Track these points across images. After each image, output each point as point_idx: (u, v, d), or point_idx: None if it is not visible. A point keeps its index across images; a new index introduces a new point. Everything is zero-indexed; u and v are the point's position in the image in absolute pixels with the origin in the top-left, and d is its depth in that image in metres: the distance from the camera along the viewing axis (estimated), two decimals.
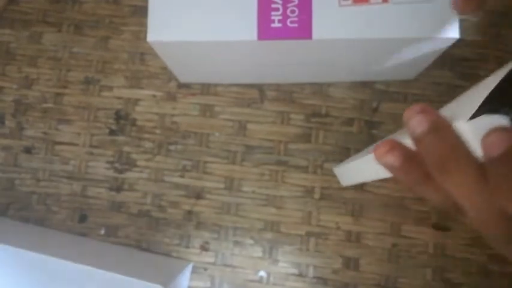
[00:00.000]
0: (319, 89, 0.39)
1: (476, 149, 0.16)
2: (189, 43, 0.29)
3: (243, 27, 0.29)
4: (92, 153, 0.40)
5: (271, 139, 0.39)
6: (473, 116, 0.16)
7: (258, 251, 0.38)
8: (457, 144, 0.16)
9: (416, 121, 0.17)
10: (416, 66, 0.36)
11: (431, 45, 0.30)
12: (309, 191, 0.38)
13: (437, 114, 0.17)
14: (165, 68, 0.40)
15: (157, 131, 0.39)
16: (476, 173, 0.16)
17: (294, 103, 0.39)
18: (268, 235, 0.38)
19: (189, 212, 0.38)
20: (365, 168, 0.29)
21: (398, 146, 0.18)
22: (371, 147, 0.33)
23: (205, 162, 0.39)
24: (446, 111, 0.18)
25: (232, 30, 0.29)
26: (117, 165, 0.39)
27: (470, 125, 0.16)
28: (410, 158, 0.18)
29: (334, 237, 0.37)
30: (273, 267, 0.37)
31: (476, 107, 0.16)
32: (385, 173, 0.26)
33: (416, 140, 0.17)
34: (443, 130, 0.17)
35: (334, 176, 0.38)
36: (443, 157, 0.16)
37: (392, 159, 0.18)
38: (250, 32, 0.29)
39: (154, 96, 0.40)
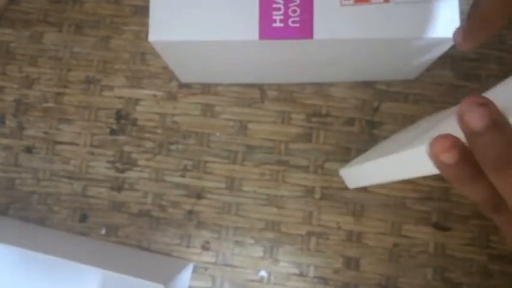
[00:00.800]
0: (320, 88, 0.39)
1: None
2: (190, 43, 0.29)
3: (244, 26, 0.29)
4: (92, 153, 0.40)
5: (272, 139, 0.39)
6: None
7: (258, 251, 0.38)
8: None
9: (475, 115, 0.16)
10: (418, 66, 0.36)
11: (433, 45, 0.31)
12: (309, 191, 0.38)
13: (497, 107, 0.16)
14: (165, 68, 0.40)
15: (158, 131, 0.39)
16: None
17: (294, 103, 0.39)
18: (269, 235, 0.38)
19: (190, 212, 0.38)
20: (384, 170, 0.28)
21: (458, 143, 0.17)
22: (380, 148, 0.33)
23: (206, 162, 0.39)
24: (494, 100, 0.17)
25: (234, 30, 0.29)
26: (117, 164, 0.39)
27: None
28: (465, 156, 0.17)
29: (335, 237, 0.38)
30: (274, 267, 0.37)
31: None
32: (404, 175, 0.25)
33: (473, 135, 0.16)
34: (503, 126, 0.16)
35: (334, 175, 0.38)
36: (503, 154, 0.16)
37: (449, 157, 0.17)
38: (252, 32, 0.29)
39: (155, 96, 0.40)
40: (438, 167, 0.18)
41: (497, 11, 0.24)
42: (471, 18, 0.26)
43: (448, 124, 0.19)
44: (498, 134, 0.16)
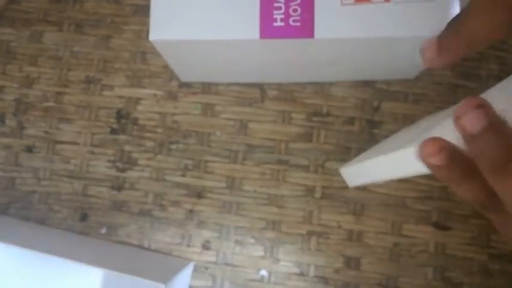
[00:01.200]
0: (321, 88, 0.39)
1: None
2: (191, 42, 0.29)
3: (245, 26, 0.29)
4: (93, 152, 0.40)
5: (273, 138, 0.39)
6: None
7: (259, 250, 0.38)
8: None
9: (473, 117, 0.16)
10: (418, 66, 0.36)
11: None
12: (310, 190, 0.38)
13: (494, 110, 0.16)
14: (166, 67, 0.40)
15: (159, 130, 0.39)
16: None
17: (295, 102, 0.39)
18: (270, 234, 0.38)
19: (190, 211, 0.38)
20: (382, 168, 0.28)
21: (447, 147, 0.17)
22: (380, 147, 0.33)
23: (207, 161, 0.39)
24: (491, 101, 0.16)
25: (235, 29, 0.29)
26: (118, 164, 0.39)
27: None
28: (455, 157, 0.17)
29: (336, 236, 0.38)
30: (274, 267, 0.37)
31: None
32: (400, 174, 0.25)
33: (471, 137, 0.16)
34: (501, 128, 0.16)
35: (335, 175, 0.38)
36: (501, 156, 0.15)
37: (439, 159, 0.17)
38: (253, 31, 0.29)
39: (155, 95, 0.40)
40: (428, 167, 0.18)
41: (487, 32, 0.22)
42: (454, 35, 0.23)
43: (443, 126, 0.19)
44: (495, 135, 0.16)
